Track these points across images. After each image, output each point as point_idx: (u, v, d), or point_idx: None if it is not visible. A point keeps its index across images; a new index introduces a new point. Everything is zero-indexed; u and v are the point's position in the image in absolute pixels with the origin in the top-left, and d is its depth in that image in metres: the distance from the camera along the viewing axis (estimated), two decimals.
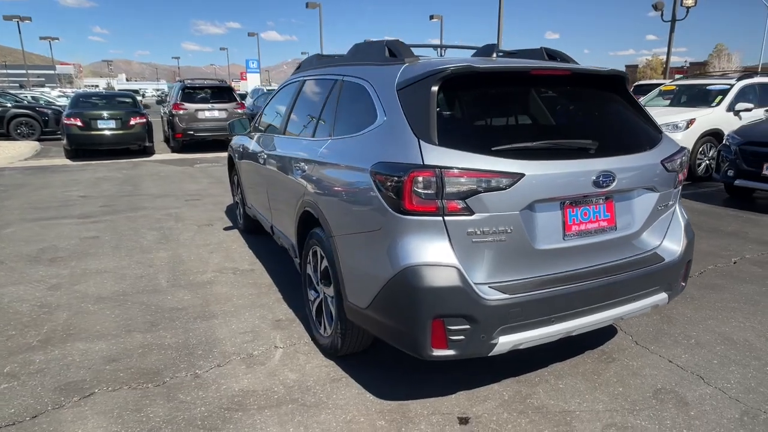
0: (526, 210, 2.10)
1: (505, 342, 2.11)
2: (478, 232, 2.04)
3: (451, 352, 2.07)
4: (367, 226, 2.24)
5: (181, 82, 13.38)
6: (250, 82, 45.12)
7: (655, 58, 77.31)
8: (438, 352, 2.07)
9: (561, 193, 2.16)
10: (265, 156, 3.89)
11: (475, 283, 2.04)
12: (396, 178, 2.03)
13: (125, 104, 12.63)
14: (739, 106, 8.43)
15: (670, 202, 2.54)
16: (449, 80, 2.18)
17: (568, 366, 2.81)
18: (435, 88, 2.17)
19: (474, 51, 3.30)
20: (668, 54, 20.07)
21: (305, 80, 3.67)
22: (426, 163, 1.99)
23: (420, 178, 1.98)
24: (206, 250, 4.92)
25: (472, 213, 2.02)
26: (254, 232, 5.37)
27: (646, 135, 2.52)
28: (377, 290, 2.18)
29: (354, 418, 2.38)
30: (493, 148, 2.06)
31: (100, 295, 3.82)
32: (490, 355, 2.14)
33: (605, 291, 2.28)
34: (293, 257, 3.48)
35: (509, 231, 2.08)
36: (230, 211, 6.47)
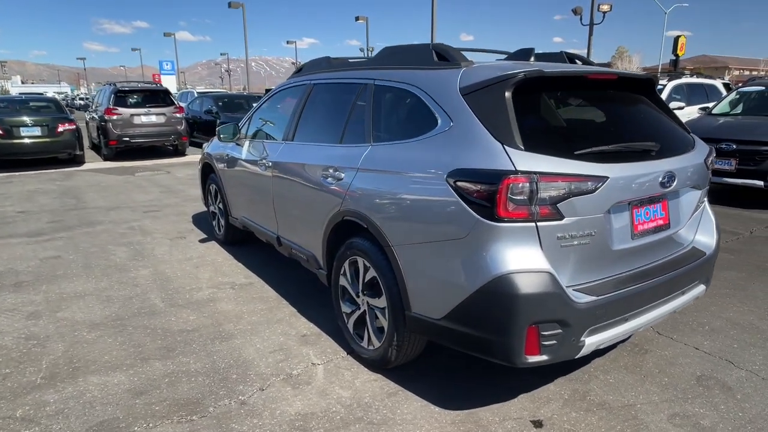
0: (607, 212, 2.15)
1: (590, 343, 2.15)
2: (567, 236, 2.06)
3: (544, 358, 2.08)
4: (443, 234, 2.19)
5: (111, 85, 12.43)
6: (166, 85, 42.85)
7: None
8: (532, 359, 2.06)
9: (635, 195, 2.24)
10: (269, 164, 3.69)
11: (566, 287, 2.06)
12: (487, 185, 2.00)
13: (49, 109, 11.52)
14: (673, 104, 9.21)
15: (705, 199, 2.72)
16: (521, 84, 2.18)
17: (609, 360, 2.91)
18: (509, 93, 2.16)
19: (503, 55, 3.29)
20: (588, 56, 21.52)
21: (315, 84, 3.53)
22: (519, 168, 1.98)
23: (515, 185, 1.96)
24: (190, 265, 4.60)
25: (562, 217, 2.03)
26: (237, 243, 5.10)
27: (686, 136, 2.67)
28: (459, 300, 2.14)
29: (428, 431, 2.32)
30: (575, 152, 2.09)
31: (92, 322, 3.44)
32: (576, 357, 2.17)
33: (666, 287, 2.38)
34: (315, 269, 3.33)
35: (593, 234, 2.12)
36: (200, 222, 6.09)
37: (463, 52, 2.55)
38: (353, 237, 2.83)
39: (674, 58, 20.49)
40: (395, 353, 2.62)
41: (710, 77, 13.16)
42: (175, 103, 12.50)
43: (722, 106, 8.02)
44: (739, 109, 7.80)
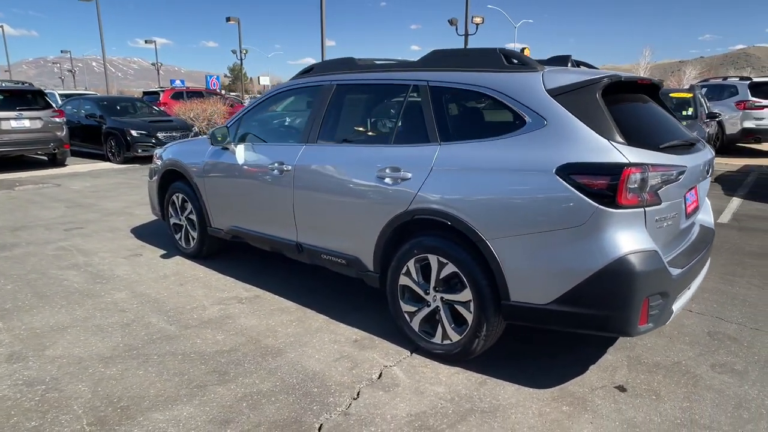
0: (683, 197, 2.50)
1: (675, 309, 2.49)
2: (661, 218, 2.37)
3: (650, 326, 2.35)
4: (553, 224, 2.36)
5: None
6: None
7: None
8: (642, 328, 2.33)
9: (694, 182, 2.63)
10: (287, 168, 3.51)
11: (666, 262, 2.36)
12: (608, 177, 2.22)
13: None
14: None
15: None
16: (607, 87, 2.45)
17: None
18: (599, 94, 2.41)
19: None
20: None
21: (338, 84, 3.45)
22: (632, 161, 2.23)
23: (633, 175, 2.21)
24: (172, 283, 4.17)
25: (660, 202, 2.33)
26: (212, 256, 4.72)
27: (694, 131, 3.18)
28: (575, 283, 2.33)
29: (540, 409, 2.47)
30: (660, 146, 2.41)
31: (100, 355, 2.99)
32: (666, 324, 2.49)
33: (702, 260, 2.83)
34: (358, 272, 3.27)
35: (675, 215, 2.46)
36: (146, 237, 5.49)
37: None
38: (421, 235, 2.86)
39: None
40: (482, 343, 2.72)
41: None
42: (53, 105, 10.90)
43: None
44: None
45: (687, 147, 2.73)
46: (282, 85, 3.97)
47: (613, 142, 2.29)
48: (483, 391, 2.64)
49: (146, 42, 44.54)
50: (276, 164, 3.63)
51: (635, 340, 3.16)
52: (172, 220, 4.88)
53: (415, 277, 2.94)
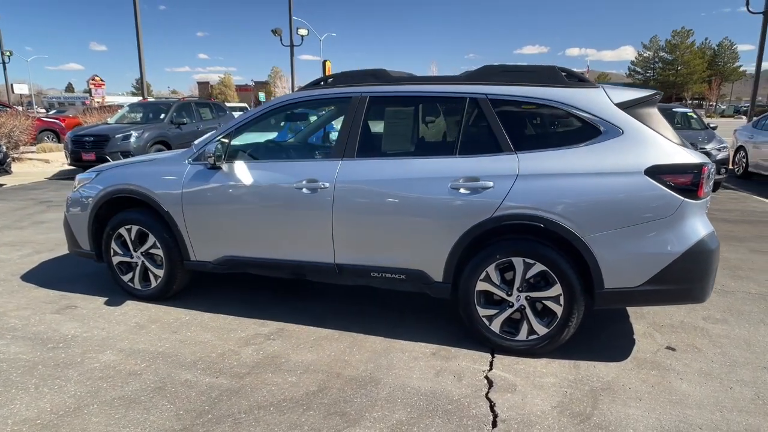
0: None
1: None
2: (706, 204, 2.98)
3: (712, 295, 2.94)
4: (645, 217, 2.77)
5: None
6: None
7: (227, 77, 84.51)
8: (710, 296, 2.90)
9: None
10: (324, 186, 3.25)
11: None
12: (692, 174, 2.73)
13: None
14: None
15: None
16: (657, 100, 2.98)
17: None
18: (656, 107, 2.93)
19: None
20: (292, 77, 23.31)
21: (371, 96, 3.34)
22: (702, 161, 2.77)
23: (707, 172, 2.75)
24: (159, 332, 3.47)
25: (710, 193, 2.93)
26: (179, 295, 4.04)
27: None
28: (665, 264, 2.78)
29: (639, 377, 2.87)
30: (698, 148, 3.01)
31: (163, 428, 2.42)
32: None
33: None
34: (420, 286, 3.25)
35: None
36: (58, 284, 4.37)
37: None
38: (504, 240, 3.03)
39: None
40: (571, 332, 3.02)
41: None
42: None
43: None
44: None
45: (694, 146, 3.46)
46: (289, 97, 3.64)
47: (679, 147, 2.82)
48: (583, 372, 2.94)
49: None
50: (304, 182, 3.35)
51: (639, 309, 3.81)
52: (118, 259, 4.01)
53: (496, 281, 3.08)
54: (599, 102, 2.96)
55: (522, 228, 2.99)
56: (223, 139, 3.61)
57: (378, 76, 3.46)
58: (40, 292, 4.21)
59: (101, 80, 30.17)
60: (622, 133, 2.88)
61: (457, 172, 3.07)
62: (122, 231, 3.94)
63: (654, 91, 3.01)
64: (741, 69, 72.61)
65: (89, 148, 10.80)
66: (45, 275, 4.63)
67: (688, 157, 2.80)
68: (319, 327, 3.55)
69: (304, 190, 3.36)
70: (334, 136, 3.85)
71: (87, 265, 4.77)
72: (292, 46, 22.34)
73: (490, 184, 2.99)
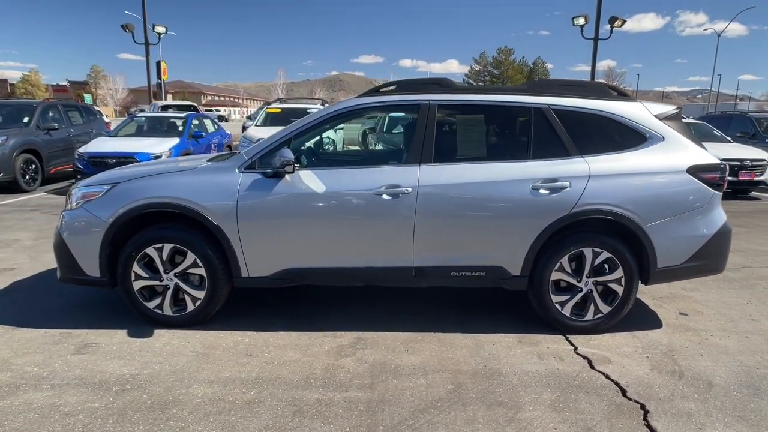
0: None
1: None
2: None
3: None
4: (687, 207, 3.40)
5: None
6: None
7: (33, 74, 72.53)
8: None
9: None
10: (407, 191, 3.32)
11: None
12: (719, 172, 3.43)
13: None
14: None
15: None
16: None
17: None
18: (681, 118, 3.63)
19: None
20: (149, 78, 21.09)
21: (439, 105, 3.48)
22: (721, 162, 3.52)
23: (727, 170, 3.50)
24: (235, 357, 3.14)
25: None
26: (212, 320, 3.66)
27: None
28: (701, 245, 3.45)
29: (685, 338, 3.51)
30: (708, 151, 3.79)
31: None
32: None
33: None
34: (497, 280, 3.50)
35: None
36: (57, 318, 3.60)
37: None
38: (576, 233, 3.44)
39: (159, 81, 22.79)
40: (629, 307, 3.55)
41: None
42: None
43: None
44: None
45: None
46: (351, 103, 3.56)
47: (704, 150, 3.54)
48: (643, 340, 3.48)
49: None
50: (384, 188, 3.36)
51: (659, 289, 4.48)
52: (141, 283, 3.48)
53: (570, 270, 3.48)
54: (642, 113, 3.55)
55: (592, 222, 3.44)
56: (273, 148, 3.42)
57: (443, 84, 3.62)
58: (30, 333, 3.43)
59: None
60: (663, 139, 3.51)
61: (536, 174, 3.40)
62: (150, 251, 3.43)
63: (678, 107, 3.71)
64: None
65: None
66: (16, 312, 3.76)
67: (714, 158, 3.53)
68: (392, 332, 3.55)
69: (384, 196, 3.36)
70: (370, 140, 3.90)
71: (56, 294, 4.00)
72: (147, 44, 20.29)
73: (567, 184, 3.38)
